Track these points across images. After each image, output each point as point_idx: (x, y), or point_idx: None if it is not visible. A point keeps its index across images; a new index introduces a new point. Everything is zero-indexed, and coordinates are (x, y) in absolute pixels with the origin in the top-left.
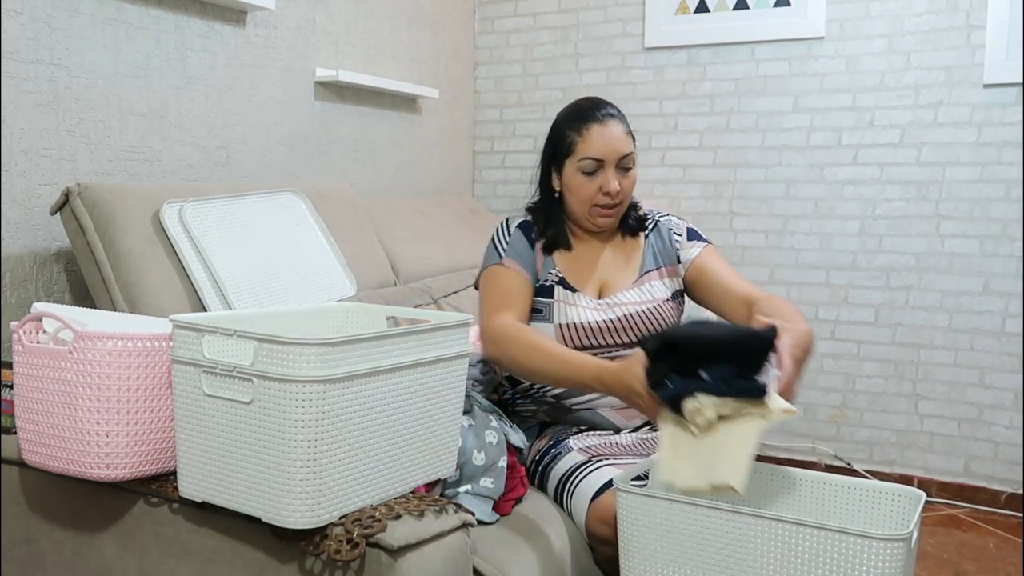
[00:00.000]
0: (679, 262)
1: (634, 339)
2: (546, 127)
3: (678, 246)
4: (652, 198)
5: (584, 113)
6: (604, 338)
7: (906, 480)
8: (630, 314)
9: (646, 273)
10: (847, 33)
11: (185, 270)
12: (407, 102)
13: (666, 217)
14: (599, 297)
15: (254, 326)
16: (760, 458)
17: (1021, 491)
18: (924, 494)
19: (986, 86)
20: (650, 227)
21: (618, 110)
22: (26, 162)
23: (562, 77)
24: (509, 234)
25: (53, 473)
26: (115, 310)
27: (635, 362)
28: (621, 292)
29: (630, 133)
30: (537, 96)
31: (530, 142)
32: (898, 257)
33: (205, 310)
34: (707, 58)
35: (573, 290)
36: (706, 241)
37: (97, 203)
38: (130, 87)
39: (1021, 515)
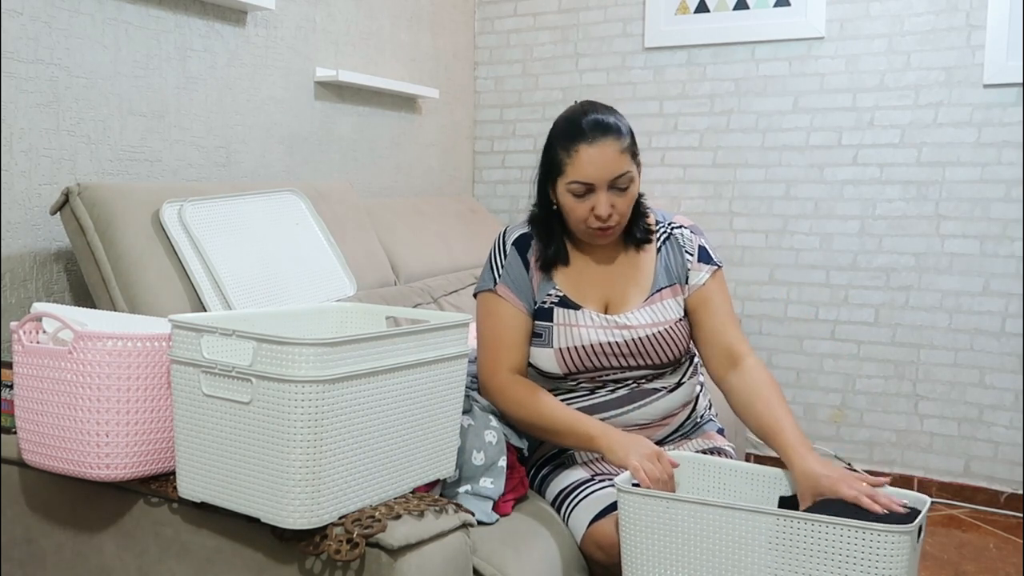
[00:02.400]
0: (686, 283)
1: (642, 363)
2: (546, 127)
3: (689, 266)
4: (652, 198)
5: (575, 131)
6: (609, 360)
7: (906, 480)
8: (640, 338)
9: (658, 291)
10: (847, 33)
11: (185, 270)
12: (407, 102)
13: (679, 229)
14: (605, 313)
15: (253, 326)
16: (759, 459)
17: (1021, 491)
18: (929, 499)
19: (986, 86)
20: (663, 238)
21: (615, 120)
22: (26, 162)
23: (562, 77)
24: (505, 254)
25: (53, 473)
26: (115, 310)
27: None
28: (631, 311)
29: (628, 148)
30: (537, 96)
31: (530, 142)
32: (898, 257)
33: (205, 310)
34: (707, 58)
35: (576, 307)
36: (716, 264)
37: (97, 203)
38: (130, 87)
39: (1021, 515)
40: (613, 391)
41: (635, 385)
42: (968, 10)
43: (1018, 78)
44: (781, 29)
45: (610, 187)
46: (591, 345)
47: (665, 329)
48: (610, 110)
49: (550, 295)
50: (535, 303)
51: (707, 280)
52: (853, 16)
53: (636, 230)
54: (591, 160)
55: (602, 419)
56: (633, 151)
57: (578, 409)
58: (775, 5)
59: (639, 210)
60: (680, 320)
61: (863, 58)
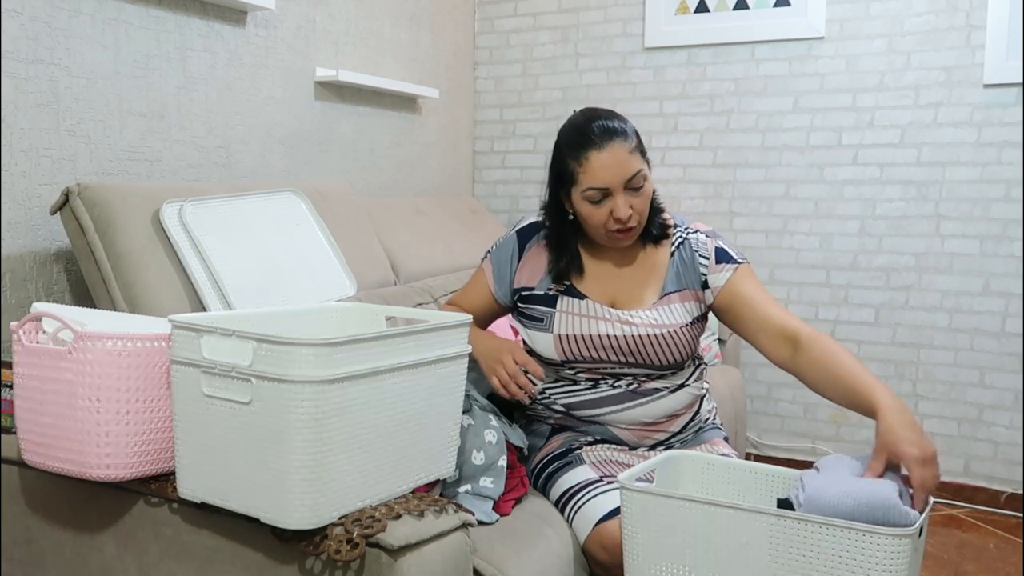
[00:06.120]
0: (705, 287)
1: (641, 362)
2: (546, 127)
3: (704, 271)
4: None
5: (582, 138)
6: (607, 354)
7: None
8: (642, 336)
9: (667, 295)
10: (847, 33)
11: (185, 270)
12: (407, 102)
13: (695, 234)
14: (612, 307)
15: (253, 326)
16: (760, 458)
17: (1021, 491)
18: (932, 497)
19: (986, 86)
20: (677, 243)
21: (619, 123)
22: (26, 162)
23: (562, 77)
24: (507, 237)
25: (53, 473)
26: (115, 310)
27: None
28: (636, 310)
29: (637, 147)
30: (537, 96)
31: (530, 142)
32: (898, 257)
33: (205, 310)
34: (707, 58)
35: (582, 297)
36: (738, 262)
37: (97, 203)
38: (130, 87)
39: (1021, 515)
40: (613, 386)
41: (635, 384)
42: (968, 10)
43: (1018, 78)
44: (781, 29)
45: (626, 188)
46: (591, 336)
47: (669, 331)
48: (612, 114)
49: (556, 284)
50: (513, 292)
51: (731, 278)
52: (853, 16)
53: (653, 227)
54: (603, 165)
55: (603, 413)
56: (641, 149)
57: (579, 402)
58: (775, 5)
59: (654, 206)
60: (687, 325)
61: (863, 58)
